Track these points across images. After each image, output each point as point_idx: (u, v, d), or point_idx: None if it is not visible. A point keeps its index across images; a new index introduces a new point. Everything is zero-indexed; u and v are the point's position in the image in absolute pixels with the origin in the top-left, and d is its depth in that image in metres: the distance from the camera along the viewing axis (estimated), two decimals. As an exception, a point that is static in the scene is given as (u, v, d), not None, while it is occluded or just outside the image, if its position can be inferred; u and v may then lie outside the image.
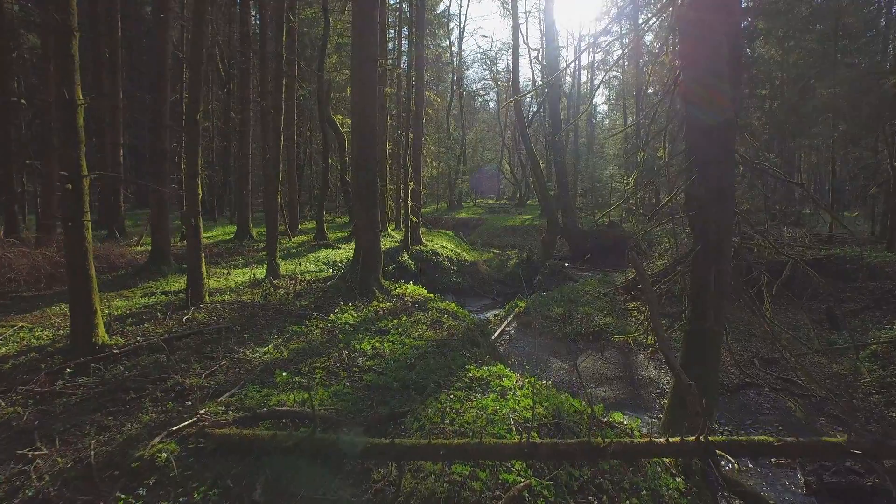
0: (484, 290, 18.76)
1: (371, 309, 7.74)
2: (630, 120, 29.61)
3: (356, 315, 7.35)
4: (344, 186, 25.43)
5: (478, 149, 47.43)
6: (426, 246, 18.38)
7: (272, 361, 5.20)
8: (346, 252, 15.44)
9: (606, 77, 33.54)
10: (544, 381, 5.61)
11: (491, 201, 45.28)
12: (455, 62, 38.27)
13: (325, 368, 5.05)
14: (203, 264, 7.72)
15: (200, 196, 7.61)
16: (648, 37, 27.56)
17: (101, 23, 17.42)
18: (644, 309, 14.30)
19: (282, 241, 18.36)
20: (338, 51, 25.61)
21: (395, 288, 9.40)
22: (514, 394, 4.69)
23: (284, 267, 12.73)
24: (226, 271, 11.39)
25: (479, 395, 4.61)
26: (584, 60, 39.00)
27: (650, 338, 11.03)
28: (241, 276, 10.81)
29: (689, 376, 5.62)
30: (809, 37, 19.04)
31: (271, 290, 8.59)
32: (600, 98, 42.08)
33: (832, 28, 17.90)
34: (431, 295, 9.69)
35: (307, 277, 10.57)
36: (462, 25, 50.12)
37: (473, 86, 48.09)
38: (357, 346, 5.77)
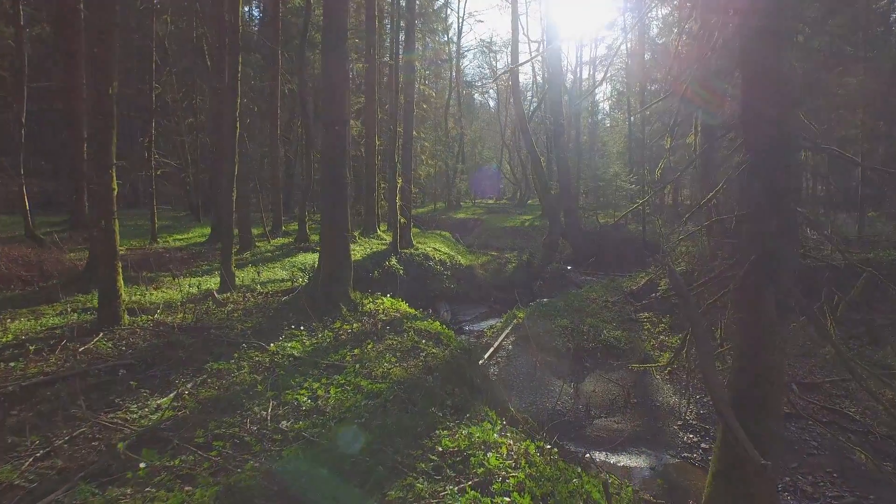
0: (480, 296, 17.41)
1: (330, 333, 6.15)
2: (633, 119, 27.97)
3: (308, 342, 5.75)
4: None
5: (477, 148, 45.74)
6: (417, 249, 16.92)
7: (161, 424, 3.62)
8: (325, 257, 13.89)
9: (609, 74, 31.90)
10: (548, 447, 4.00)
11: (490, 201, 43.59)
12: (454, 59, 36.64)
13: (231, 437, 3.46)
14: (119, 277, 6.15)
15: (116, 192, 6.06)
16: (653, 31, 26.08)
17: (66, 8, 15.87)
18: (658, 320, 12.85)
19: (260, 243, 16.89)
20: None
21: (369, 302, 7.81)
22: (503, 483, 3.12)
23: (248, 275, 11.18)
24: (177, 280, 9.82)
25: (451, 487, 3.03)
26: (587, 56, 37.59)
27: (668, 354, 9.52)
28: (192, 286, 9.26)
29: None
30: (833, 22, 17.49)
31: (213, 307, 7.01)
32: (602, 96, 40.62)
33: (863, 10, 16.30)
34: (412, 311, 8.10)
35: (268, 289, 9.00)
36: (461, 17, 48.85)
37: (473, 82, 46.46)
38: (290, 396, 4.18)
